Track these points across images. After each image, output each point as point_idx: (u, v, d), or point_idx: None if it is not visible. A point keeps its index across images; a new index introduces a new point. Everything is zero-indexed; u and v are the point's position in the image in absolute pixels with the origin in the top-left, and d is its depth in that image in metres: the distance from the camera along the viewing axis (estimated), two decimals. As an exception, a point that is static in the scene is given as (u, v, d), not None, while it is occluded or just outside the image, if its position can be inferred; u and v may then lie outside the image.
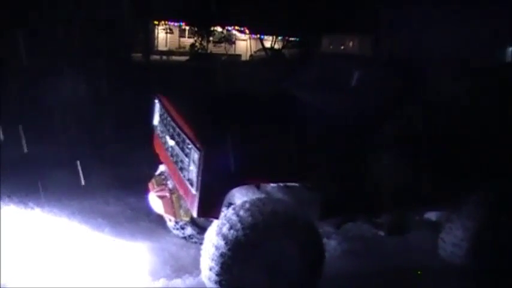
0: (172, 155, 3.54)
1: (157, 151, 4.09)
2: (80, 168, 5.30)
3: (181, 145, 3.32)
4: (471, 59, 4.50)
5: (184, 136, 3.25)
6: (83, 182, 5.12)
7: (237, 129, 3.17)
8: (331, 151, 3.29)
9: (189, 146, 3.11)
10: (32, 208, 4.69)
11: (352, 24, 24.25)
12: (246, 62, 31.34)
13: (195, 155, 2.99)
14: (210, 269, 3.08)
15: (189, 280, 3.66)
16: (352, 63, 4.60)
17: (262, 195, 3.49)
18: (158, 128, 4.09)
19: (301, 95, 3.87)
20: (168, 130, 3.66)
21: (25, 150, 5.92)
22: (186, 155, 3.18)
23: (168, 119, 3.70)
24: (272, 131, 3.27)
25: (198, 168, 2.95)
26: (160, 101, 4.07)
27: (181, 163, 3.29)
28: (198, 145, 2.98)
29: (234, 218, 3.08)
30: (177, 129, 3.41)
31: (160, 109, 4.02)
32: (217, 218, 3.12)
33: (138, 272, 3.74)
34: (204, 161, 2.91)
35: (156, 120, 4.16)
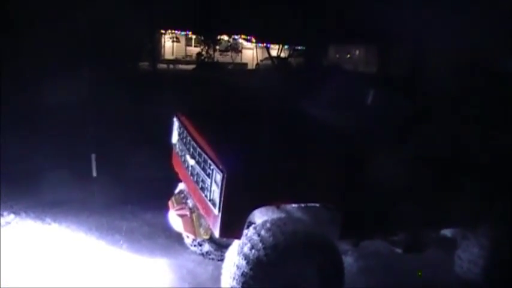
0: (192, 174, 3.55)
1: (176, 169, 4.11)
2: (96, 182, 5.35)
3: (202, 165, 3.32)
4: (484, 67, 4.45)
5: (205, 156, 3.26)
6: (99, 197, 5.16)
7: (259, 150, 3.19)
8: (351, 171, 3.32)
9: (211, 167, 3.12)
10: (49, 224, 4.73)
11: (359, 33, 24.30)
12: (252, 70, 31.46)
13: (218, 176, 3.00)
14: (231, 288, 3.11)
15: (208, 297, 3.69)
16: (367, 81, 4.63)
17: (282, 215, 3.51)
18: (177, 146, 4.11)
19: (320, 115, 3.90)
20: (188, 149, 3.67)
21: (42, 165, 5.99)
22: (208, 175, 3.18)
23: (188, 138, 3.71)
24: (294, 151, 3.30)
25: (221, 189, 2.95)
26: (179, 119, 4.10)
27: (202, 183, 3.30)
28: (220, 167, 2.99)
29: (255, 237, 3.11)
30: (198, 149, 3.42)
31: (179, 127, 4.04)
32: (239, 238, 3.14)
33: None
34: (226, 183, 2.92)
35: (174, 138, 4.19)
